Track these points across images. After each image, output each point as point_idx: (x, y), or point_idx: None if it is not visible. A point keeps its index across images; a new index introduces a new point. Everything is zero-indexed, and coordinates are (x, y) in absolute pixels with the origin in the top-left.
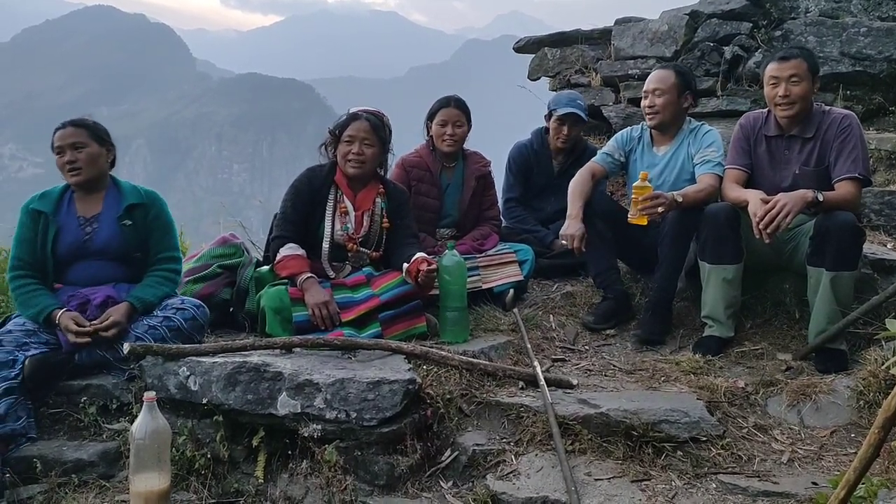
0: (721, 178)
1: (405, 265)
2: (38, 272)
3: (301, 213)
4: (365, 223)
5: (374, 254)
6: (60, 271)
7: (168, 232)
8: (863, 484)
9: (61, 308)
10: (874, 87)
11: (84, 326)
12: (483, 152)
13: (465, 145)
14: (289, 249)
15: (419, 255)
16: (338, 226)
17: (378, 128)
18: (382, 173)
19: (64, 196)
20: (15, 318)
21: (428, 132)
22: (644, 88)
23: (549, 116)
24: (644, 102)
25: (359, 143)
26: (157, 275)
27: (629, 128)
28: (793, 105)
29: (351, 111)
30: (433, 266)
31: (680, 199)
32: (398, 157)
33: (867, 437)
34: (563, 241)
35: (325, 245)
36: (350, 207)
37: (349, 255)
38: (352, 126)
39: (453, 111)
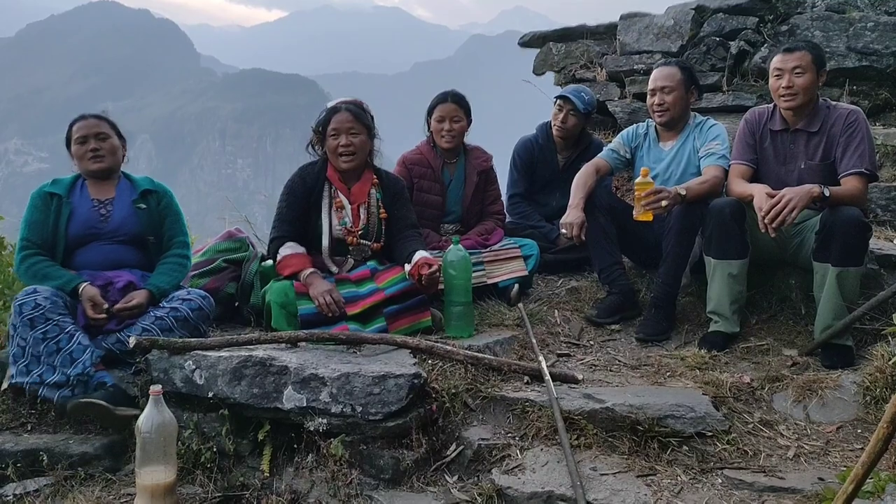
0: (725, 170)
1: (407, 266)
2: (49, 253)
3: (297, 212)
4: (362, 216)
5: (375, 245)
6: (71, 254)
7: (179, 219)
8: (871, 479)
9: (85, 282)
10: (881, 82)
11: (101, 305)
12: (487, 148)
13: (468, 140)
14: (288, 249)
15: (420, 255)
16: (335, 221)
17: (360, 115)
18: (371, 161)
19: (76, 182)
20: (27, 292)
21: (428, 128)
22: (650, 86)
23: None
24: (652, 100)
25: (345, 134)
26: (170, 262)
27: (635, 125)
28: (795, 96)
29: (329, 105)
30: (434, 269)
31: (683, 193)
32: (400, 156)
33: (876, 432)
34: (563, 230)
35: (325, 241)
36: (345, 201)
37: (350, 248)
38: (334, 119)
39: (450, 106)
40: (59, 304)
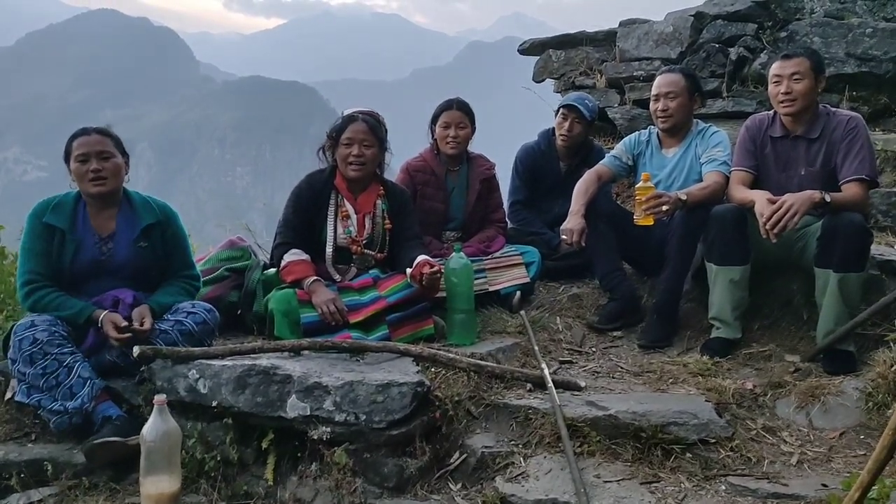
0: (726, 177)
1: (408, 270)
2: (55, 283)
3: (303, 219)
4: (367, 226)
5: (378, 255)
6: (74, 287)
7: (186, 248)
8: (875, 486)
9: (100, 309)
10: (880, 87)
11: (121, 325)
12: (488, 155)
13: (469, 148)
14: (293, 255)
15: (421, 257)
16: (340, 230)
17: (375, 128)
18: (381, 173)
19: (77, 209)
20: (24, 327)
21: (432, 136)
22: (654, 92)
23: (557, 113)
24: (655, 106)
25: (358, 144)
26: (178, 285)
27: (637, 132)
28: (794, 102)
29: (347, 113)
30: (436, 268)
31: (684, 198)
32: (403, 162)
33: (881, 439)
34: (564, 237)
35: (329, 249)
36: (351, 211)
37: (354, 257)
38: (350, 128)
39: (455, 113)
40: (58, 334)
